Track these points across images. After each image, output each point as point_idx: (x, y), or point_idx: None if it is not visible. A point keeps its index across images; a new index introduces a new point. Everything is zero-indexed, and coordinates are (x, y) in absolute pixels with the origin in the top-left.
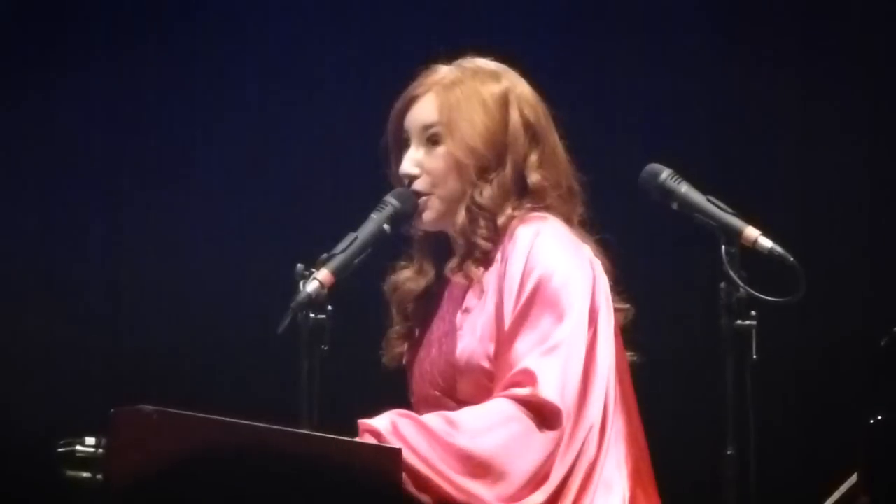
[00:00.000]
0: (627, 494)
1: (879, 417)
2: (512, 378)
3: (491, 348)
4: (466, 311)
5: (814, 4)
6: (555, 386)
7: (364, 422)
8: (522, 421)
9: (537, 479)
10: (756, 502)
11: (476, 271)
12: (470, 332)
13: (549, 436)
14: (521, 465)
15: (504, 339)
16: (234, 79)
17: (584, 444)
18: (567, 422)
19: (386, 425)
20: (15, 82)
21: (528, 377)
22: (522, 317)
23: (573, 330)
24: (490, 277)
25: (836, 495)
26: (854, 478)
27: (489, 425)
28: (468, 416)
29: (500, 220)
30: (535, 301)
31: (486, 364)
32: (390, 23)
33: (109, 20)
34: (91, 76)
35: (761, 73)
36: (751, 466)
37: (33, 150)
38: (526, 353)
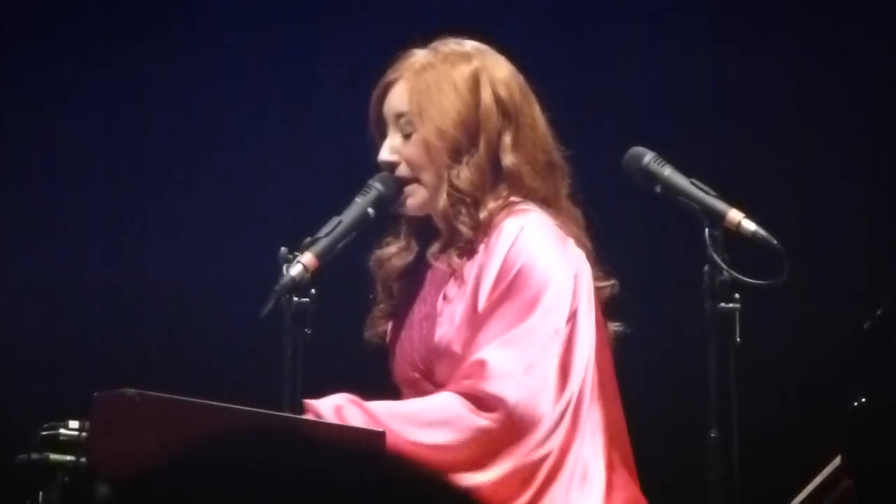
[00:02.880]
0: (604, 485)
1: (863, 400)
2: (465, 369)
3: (468, 338)
4: (446, 298)
5: None
6: (504, 378)
7: (309, 402)
8: (464, 416)
9: (479, 465)
10: (739, 486)
11: (458, 261)
12: (448, 319)
13: (490, 427)
14: (463, 457)
15: (473, 328)
16: (220, 70)
17: (548, 434)
18: (516, 412)
19: (329, 409)
20: (14, 82)
21: (478, 368)
22: (492, 309)
23: (540, 323)
24: (471, 268)
25: (820, 478)
26: (837, 461)
27: (433, 420)
28: (415, 408)
29: (483, 214)
30: (508, 295)
31: (461, 352)
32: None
33: (109, 20)
34: (90, 76)
35: (749, 56)
36: (734, 449)
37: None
38: (484, 343)
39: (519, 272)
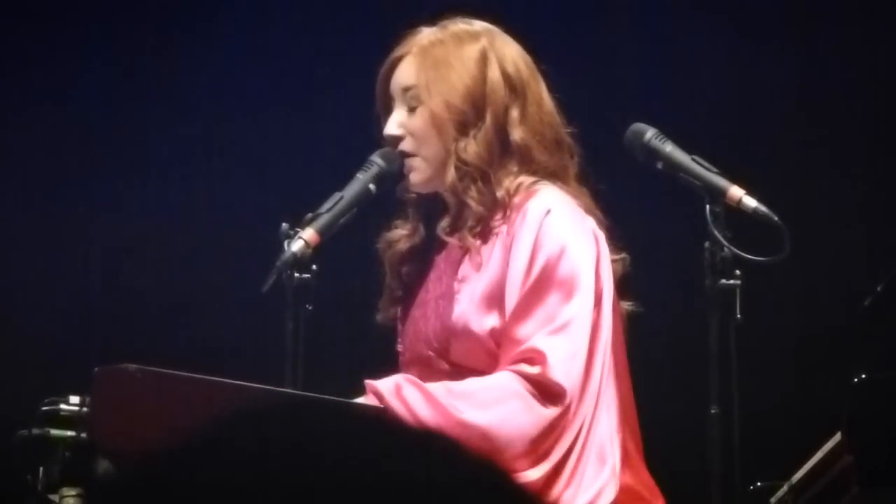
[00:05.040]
0: (618, 465)
1: (863, 376)
2: (521, 354)
3: (487, 317)
4: (463, 277)
5: None
6: (563, 366)
7: (370, 382)
8: (527, 398)
9: (536, 456)
10: (740, 461)
11: (473, 241)
12: (466, 298)
13: (552, 414)
14: (521, 442)
15: (512, 316)
16: (216, 47)
17: (583, 421)
18: (570, 401)
19: (389, 387)
20: (13, 82)
21: (537, 355)
22: (531, 295)
23: (581, 309)
24: (493, 250)
25: (820, 454)
26: (838, 436)
27: (494, 399)
28: (473, 387)
29: (500, 193)
30: (543, 280)
31: (479, 331)
32: None
33: (107, 21)
34: (90, 75)
35: (754, 38)
36: (735, 425)
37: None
38: (535, 331)
39: (553, 257)
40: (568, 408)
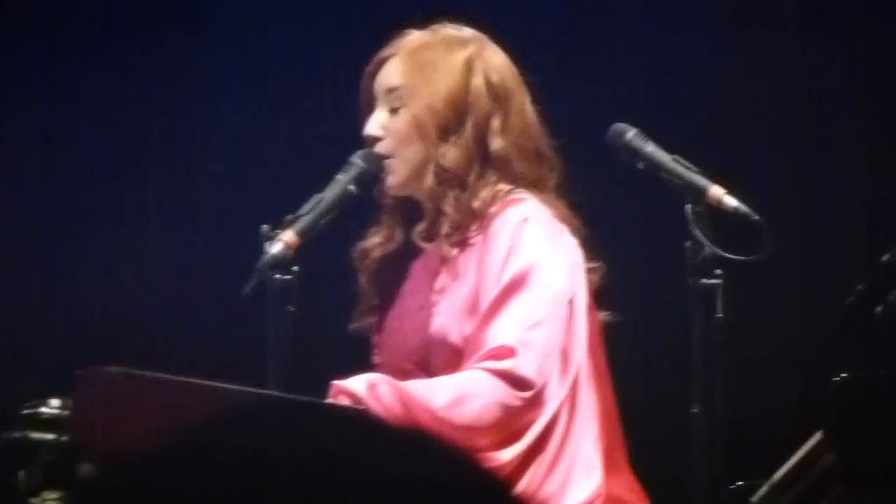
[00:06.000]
0: (602, 470)
1: (844, 375)
2: (490, 352)
3: (466, 328)
4: (441, 288)
5: None
6: (533, 362)
7: (338, 383)
8: (497, 386)
9: (506, 437)
10: (722, 460)
11: (450, 251)
12: (446, 309)
13: (521, 398)
14: (494, 427)
15: (483, 317)
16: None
17: (555, 416)
18: (540, 390)
19: (362, 387)
20: (13, 82)
21: (506, 351)
22: (503, 298)
23: (554, 312)
24: (470, 260)
25: (802, 453)
26: (819, 436)
27: (465, 394)
28: (444, 384)
29: (476, 203)
30: (516, 284)
31: (459, 343)
32: None
33: (106, 20)
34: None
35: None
36: (717, 425)
37: None
38: (505, 330)
39: (527, 265)
40: (538, 395)
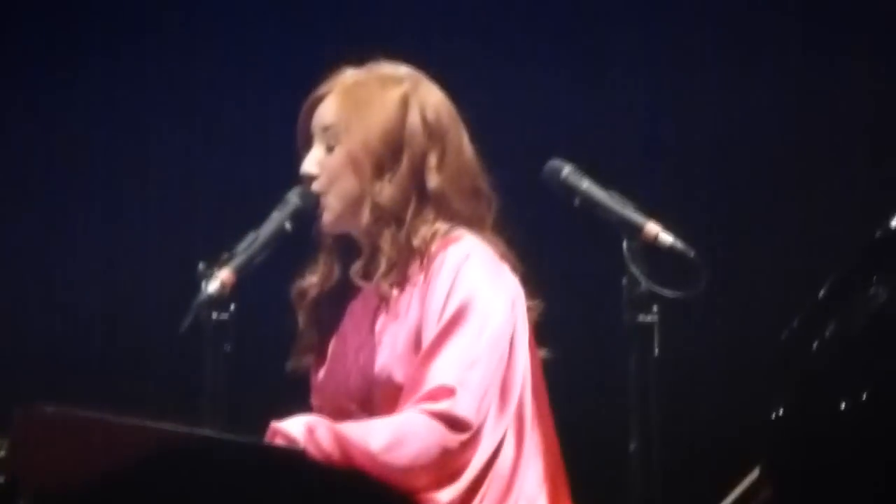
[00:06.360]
0: None
1: (781, 411)
2: (428, 392)
3: (410, 367)
4: (383, 327)
5: None
6: (470, 402)
7: (277, 425)
8: (434, 428)
9: (445, 478)
10: (660, 498)
11: (389, 290)
12: (388, 348)
13: (458, 440)
14: (431, 467)
15: (423, 356)
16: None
17: (495, 454)
18: (477, 430)
19: (300, 430)
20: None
21: (444, 392)
22: (443, 336)
23: (492, 350)
24: (412, 299)
25: (740, 489)
26: (756, 472)
27: (403, 437)
28: (381, 427)
29: (416, 242)
30: (455, 322)
31: (403, 381)
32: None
33: (103, 21)
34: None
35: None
36: (653, 462)
37: None
38: (444, 369)
39: (466, 302)
40: (475, 435)
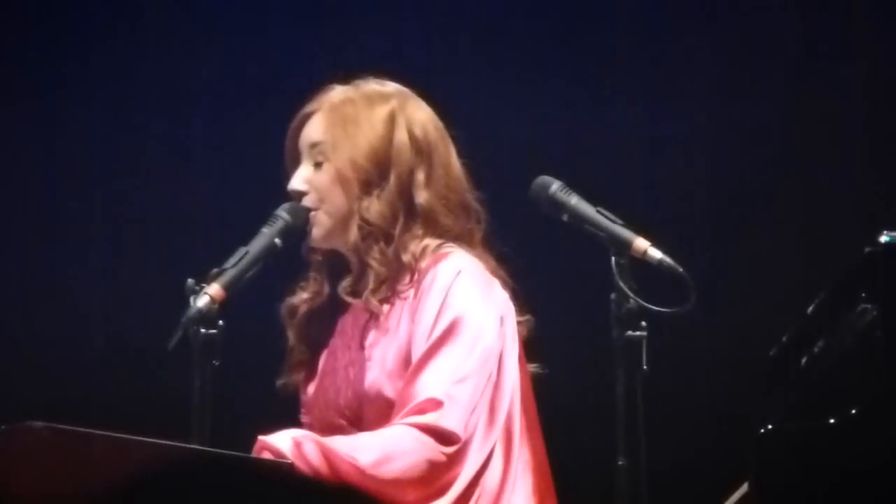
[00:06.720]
0: None
1: (769, 427)
2: (416, 406)
3: (400, 383)
4: (373, 342)
5: None
6: (458, 416)
7: (264, 440)
8: (422, 441)
9: (433, 492)
10: None
11: (378, 306)
12: (378, 364)
13: (446, 453)
14: (420, 489)
15: (412, 371)
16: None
17: (481, 470)
18: (465, 450)
19: (287, 444)
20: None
21: (433, 405)
22: (433, 351)
23: (482, 365)
24: (402, 315)
25: None
26: (745, 487)
27: (391, 451)
28: (370, 441)
29: (406, 257)
30: (446, 337)
31: (393, 397)
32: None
33: (104, 22)
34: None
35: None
36: (641, 477)
37: None
38: (433, 383)
39: (457, 318)
40: (462, 449)
